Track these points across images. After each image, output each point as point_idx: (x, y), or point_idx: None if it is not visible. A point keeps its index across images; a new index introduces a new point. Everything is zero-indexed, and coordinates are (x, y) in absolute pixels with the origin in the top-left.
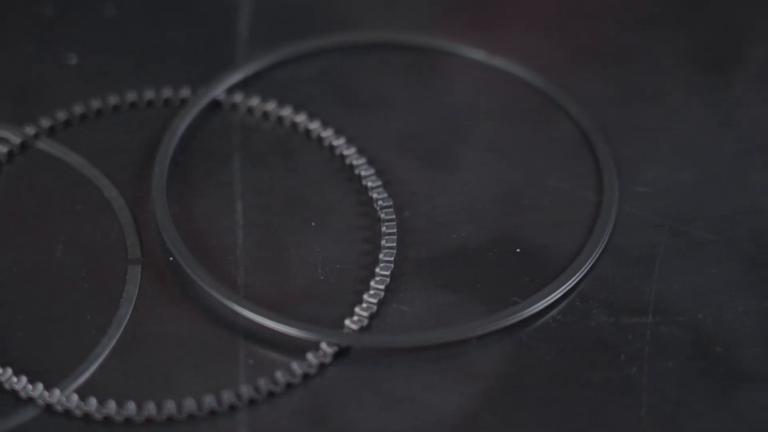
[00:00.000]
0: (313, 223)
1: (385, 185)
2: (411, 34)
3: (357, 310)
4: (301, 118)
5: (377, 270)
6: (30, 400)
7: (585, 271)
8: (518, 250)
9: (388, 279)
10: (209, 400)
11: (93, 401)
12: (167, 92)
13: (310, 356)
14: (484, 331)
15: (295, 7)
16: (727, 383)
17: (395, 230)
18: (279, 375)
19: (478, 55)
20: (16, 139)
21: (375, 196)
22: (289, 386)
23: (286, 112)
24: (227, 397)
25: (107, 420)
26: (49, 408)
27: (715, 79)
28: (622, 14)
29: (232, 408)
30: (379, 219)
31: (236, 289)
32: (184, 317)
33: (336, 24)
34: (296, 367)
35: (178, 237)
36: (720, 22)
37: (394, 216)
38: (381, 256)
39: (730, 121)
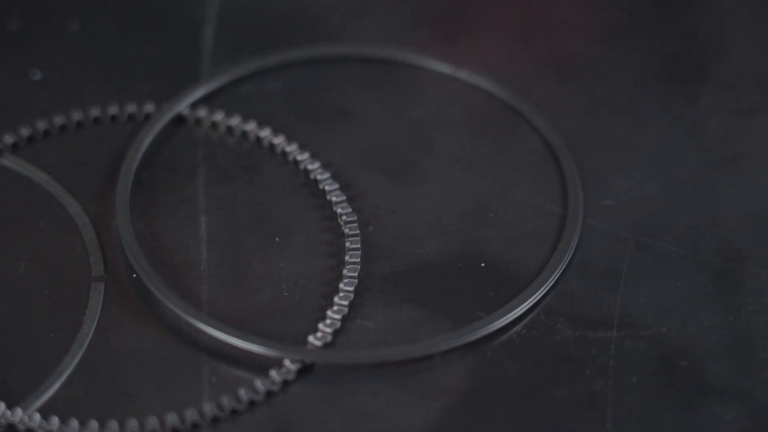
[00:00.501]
0: (277, 239)
1: (350, 200)
2: (376, 47)
3: (321, 326)
4: (265, 133)
5: (341, 286)
6: None
7: (550, 286)
8: (483, 264)
9: (352, 295)
10: (172, 418)
11: (55, 420)
12: (131, 107)
13: (273, 373)
14: (449, 346)
15: (259, 21)
16: (692, 397)
17: (359, 245)
18: (242, 392)
19: (444, 68)
20: None
21: (339, 211)
22: (252, 404)
23: (251, 126)
24: (190, 415)
25: None
26: (11, 427)
27: (681, 90)
28: (588, 27)
29: (195, 426)
30: (343, 234)
31: (200, 305)
32: (148, 334)
33: (301, 37)
34: (259, 384)
35: (141, 254)
36: (686, 33)
37: (358, 231)
38: (345, 271)
39: (695, 132)
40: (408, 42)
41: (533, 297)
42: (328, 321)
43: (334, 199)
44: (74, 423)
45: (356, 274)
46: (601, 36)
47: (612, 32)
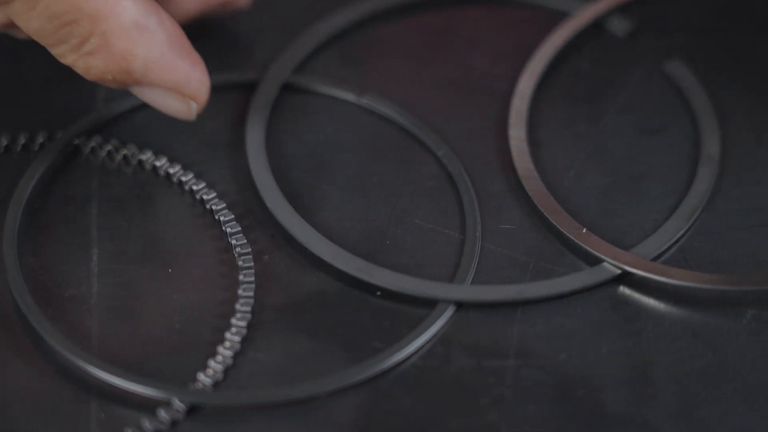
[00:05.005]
0: (170, 270)
1: (246, 229)
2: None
3: (211, 363)
4: (161, 162)
5: (233, 321)
6: None
7: (447, 314)
8: (378, 293)
9: (245, 329)
10: None
11: None
12: (24, 137)
13: (161, 413)
14: (340, 386)
15: None
16: (591, 427)
17: (253, 278)
18: None
19: (344, 93)
20: None
21: (234, 242)
22: None
23: (146, 155)
24: None
25: None
26: None
27: (585, 110)
28: (490, 47)
29: None
30: (237, 266)
31: (90, 340)
32: (35, 373)
33: None
34: (147, 424)
35: (26, 289)
36: (590, 52)
37: (252, 264)
38: (237, 306)
39: (599, 152)
40: (309, 67)
41: (430, 329)
42: (219, 358)
43: (229, 229)
44: None
45: (249, 308)
46: (504, 56)
47: (514, 53)
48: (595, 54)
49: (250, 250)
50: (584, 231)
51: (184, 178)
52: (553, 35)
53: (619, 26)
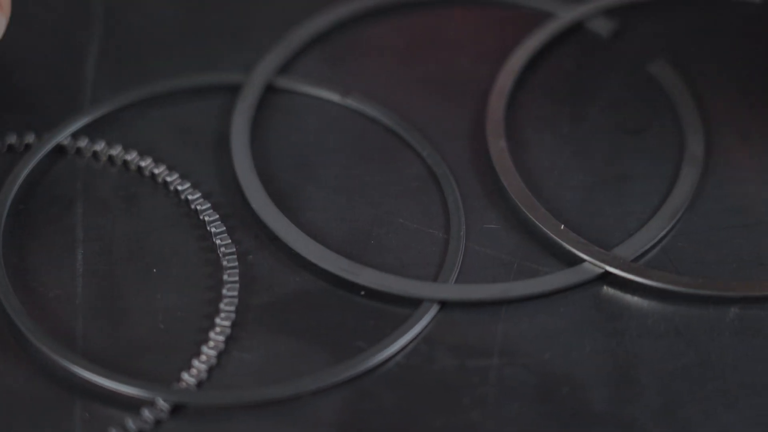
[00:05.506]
0: (155, 270)
1: (230, 230)
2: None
3: (195, 362)
4: (146, 162)
5: (217, 320)
6: None
7: (431, 314)
8: (362, 293)
9: (229, 329)
10: None
11: None
12: (11, 138)
13: (145, 412)
14: (323, 385)
15: (142, 49)
16: (574, 425)
17: (237, 279)
18: None
19: (329, 94)
20: None
21: (219, 242)
22: None
23: (132, 156)
24: None
25: None
26: None
27: (568, 109)
28: (476, 48)
29: None
30: (222, 266)
31: (74, 340)
32: (19, 373)
33: (184, 65)
34: (131, 423)
35: (10, 289)
36: (573, 52)
37: (236, 264)
38: (221, 305)
39: (583, 152)
40: (293, 69)
41: (414, 328)
42: (203, 357)
43: (213, 230)
44: None
45: (234, 308)
46: (489, 56)
47: (500, 54)
48: (578, 54)
49: (234, 250)
50: (562, 227)
51: (169, 179)
52: (531, 35)
53: (603, 26)
